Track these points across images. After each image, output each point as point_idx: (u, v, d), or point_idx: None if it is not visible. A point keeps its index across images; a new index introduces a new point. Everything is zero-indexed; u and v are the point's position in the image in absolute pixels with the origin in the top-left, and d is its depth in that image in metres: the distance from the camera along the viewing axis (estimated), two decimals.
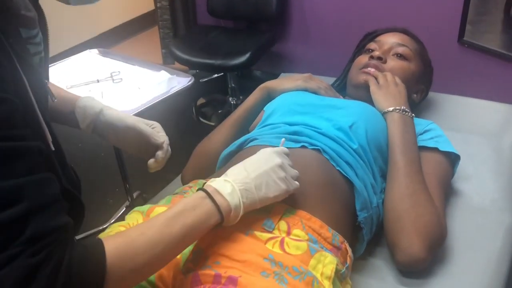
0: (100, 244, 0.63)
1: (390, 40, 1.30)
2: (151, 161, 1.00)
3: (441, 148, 1.12)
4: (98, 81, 1.67)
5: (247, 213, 0.86)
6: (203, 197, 0.77)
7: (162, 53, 3.32)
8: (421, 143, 1.13)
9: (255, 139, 1.08)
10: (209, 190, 0.78)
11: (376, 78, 1.21)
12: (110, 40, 3.70)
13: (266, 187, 0.81)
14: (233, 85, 3.02)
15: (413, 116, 1.12)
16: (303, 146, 1.01)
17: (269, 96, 1.27)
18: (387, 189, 1.02)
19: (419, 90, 1.33)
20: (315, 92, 1.24)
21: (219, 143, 1.21)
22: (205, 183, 0.82)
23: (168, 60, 3.26)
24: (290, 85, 1.26)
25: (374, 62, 1.26)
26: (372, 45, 1.32)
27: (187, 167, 1.26)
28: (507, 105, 1.46)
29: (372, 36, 1.37)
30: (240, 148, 1.11)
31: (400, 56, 1.27)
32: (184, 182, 1.25)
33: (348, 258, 0.88)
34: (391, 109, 1.11)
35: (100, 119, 0.99)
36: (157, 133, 1.01)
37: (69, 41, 3.22)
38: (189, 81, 1.64)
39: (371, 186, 1.02)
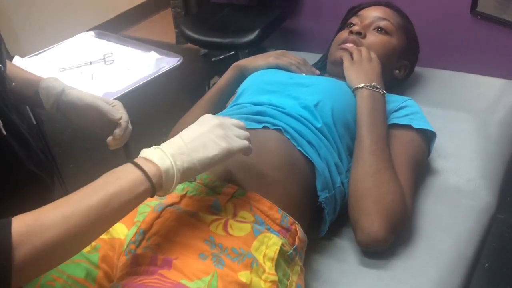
0: (7, 223, 0.60)
1: (371, 14, 1.25)
2: (109, 138, 1.00)
3: (415, 126, 1.08)
4: (90, 63, 1.69)
5: (196, 195, 0.86)
6: (128, 166, 0.71)
7: (176, 33, 3.32)
8: (394, 120, 1.10)
9: None
10: (136, 160, 0.72)
11: (352, 54, 1.17)
12: (125, 23, 3.72)
13: (204, 148, 0.76)
14: None
15: (384, 93, 1.08)
16: (264, 127, 1.00)
17: (243, 75, 1.25)
18: (352, 168, 1.00)
19: (402, 65, 1.29)
20: (287, 69, 1.22)
21: (193, 121, 1.21)
22: None
23: (181, 40, 3.26)
24: (261, 63, 1.23)
25: (352, 37, 1.22)
26: (354, 20, 1.28)
27: None
28: (502, 80, 1.39)
29: (355, 10, 1.32)
30: None
31: (381, 30, 1.23)
32: None
33: (297, 239, 0.87)
34: (361, 85, 1.08)
35: (63, 99, 1.00)
36: (117, 110, 1.01)
37: (85, 25, 3.26)
38: (178, 61, 1.63)
39: (334, 166, 1.00)
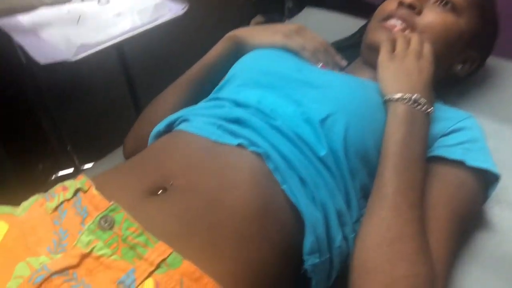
0: None
1: None
2: None
3: (470, 162, 0.73)
4: (82, 0, 1.38)
5: (105, 256, 0.56)
6: None
7: None
8: (440, 151, 0.75)
9: (187, 120, 0.76)
10: None
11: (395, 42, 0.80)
12: None
13: None
14: (291, 5, 2.61)
15: (429, 111, 0.72)
16: (239, 145, 0.68)
17: (239, 51, 0.91)
18: (363, 225, 0.67)
19: (468, 58, 0.90)
20: (298, 55, 0.87)
21: (166, 109, 0.90)
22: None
23: None
24: (265, 39, 0.89)
25: (402, 11, 0.85)
26: None
27: (129, 135, 0.97)
28: None
29: None
30: (170, 128, 0.79)
31: (446, 5, 0.84)
32: (125, 153, 0.98)
33: None
34: (397, 96, 0.72)
35: None
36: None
37: None
38: (183, 9, 1.30)
39: (336, 215, 0.67)
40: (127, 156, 0.96)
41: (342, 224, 0.68)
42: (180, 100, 0.91)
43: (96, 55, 1.16)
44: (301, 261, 0.65)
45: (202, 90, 0.91)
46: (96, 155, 1.92)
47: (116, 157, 1.04)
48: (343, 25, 1.21)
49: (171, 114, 0.84)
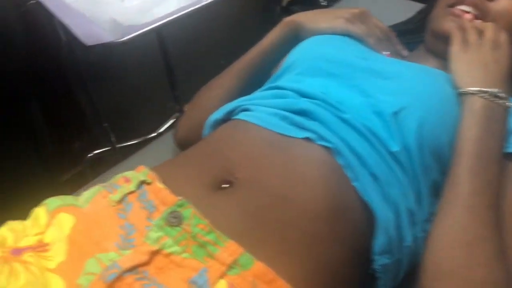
0: None
1: None
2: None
3: None
4: None
5: (176, 254, 0.55)
6: None
7: None
8: None
9: (248, 109, 0.73)
10: None
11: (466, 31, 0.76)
12: None
13: None
14: None
15: (509, 106, 0.68)
16: (307, 139, 0.65)
17: (297, 37, 0.87)
18: (435, 225, 0.64)
19: None
20: (361, 41, 0.82)
21: (221, 95, 0.88)
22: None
23: None
24: (326, 25, 0.84)
25: None
26: None
27: (182, 121, 0.94)
28: None
29: None
30: (228, 116, 0.77)
31: None
32: (177, 139, 0.95)
33: None
34: (474, 89, 0.68)
35: None
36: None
37: None
38: None
39: (407, 214, 0.64)
40: (179, 142, 0.94)
41: (412, 223, 0.65)
42: (235, 87, 0.88)
43: (137, 35, 1.14)
44: (369, 261, 0.62)
45: (257, 77, 0.88)
46: (132, 134, 1.91)
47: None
48: (394, 8, 1.16)
49: (225, 101, 0.81)
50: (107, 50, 1.39)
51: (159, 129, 2.00)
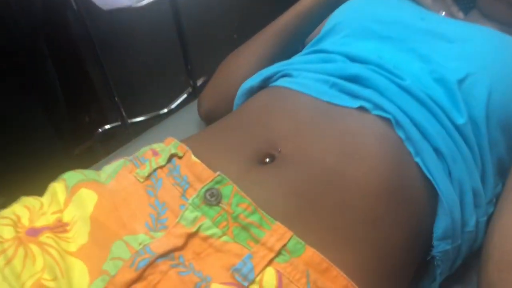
0: None
1: None
2: None
3: None
4: None
5: (214, 237, 0.47)
6: None
7: None
8: None
9: (289, 75, 0.65)
10: None
11: None
12: None
13: None
14: None
15: None
16: (361, 108, 0.57)
17: None
18: (502, 208, 0.56)
19: None
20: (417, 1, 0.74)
21: (249, 64, 0.79)
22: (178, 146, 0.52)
23: None
24: None
25: None
26: None
27: (206, 91, 0.86)
28: None
29: None
30: (265, 83, 0.69)
31: None
32: (202, 110, 0.87)
33: None
34: None
35: None
36: None
37: None
38: None
39: (472, 195, 0.57)
40: (206, 115, 0.85)
41: (476, 205, 0.58)
42: (268, 52, 0.79)
43: (150, 5, 1.07)
44: (428, 247, 0.55)
45: (293, 42, 0.80)
46: (143, 109, 1.84)
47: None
48: None
49: (257, 69, 0.73)
50: (120, 20, 1.31)
51: (171, 105, 1.93)
